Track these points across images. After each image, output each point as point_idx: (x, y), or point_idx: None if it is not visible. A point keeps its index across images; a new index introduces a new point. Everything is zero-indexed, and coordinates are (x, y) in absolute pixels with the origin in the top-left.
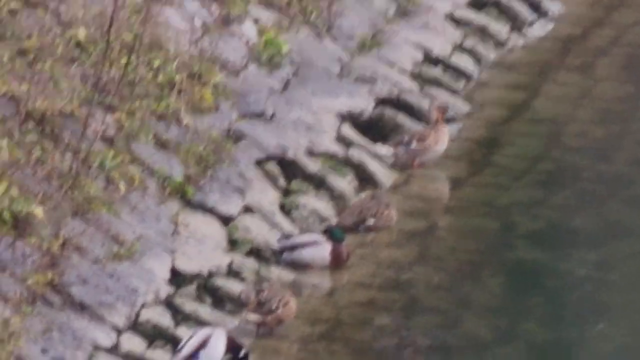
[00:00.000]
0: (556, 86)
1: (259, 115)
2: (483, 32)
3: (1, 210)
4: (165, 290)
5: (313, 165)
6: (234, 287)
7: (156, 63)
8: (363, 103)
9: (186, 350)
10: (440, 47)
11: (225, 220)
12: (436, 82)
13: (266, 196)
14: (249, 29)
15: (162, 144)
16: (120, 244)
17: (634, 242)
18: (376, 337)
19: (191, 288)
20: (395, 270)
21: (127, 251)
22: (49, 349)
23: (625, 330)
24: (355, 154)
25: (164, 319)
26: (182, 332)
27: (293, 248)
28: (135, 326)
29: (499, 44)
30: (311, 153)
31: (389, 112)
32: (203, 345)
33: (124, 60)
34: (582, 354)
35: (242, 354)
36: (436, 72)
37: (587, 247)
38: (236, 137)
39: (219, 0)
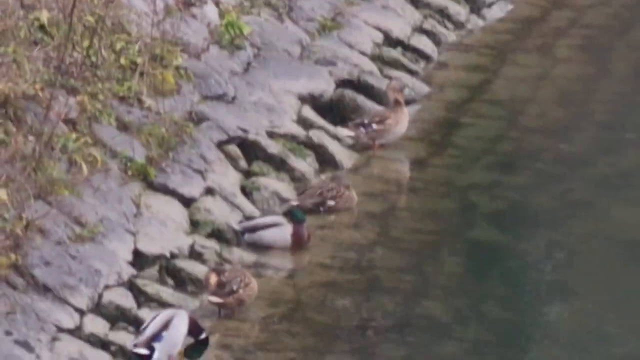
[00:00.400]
0: (515, 68)
1: (221, 97)
2: (442, 14)
3: None
4: (128, 272)
5: (274, 147)
6: (195, 268)
7: (118, 46)
8: (323, 85)
9: (149, 331)
10: (400, 28)
11: (187, 202)
12: (396, 64)
13: (227, 178)
14: (210, 11)
15: (124, 126)
16: (83, 225)
17: (592, 222)
18: (337, 318)
19: (153, 270)
20: (356, 252)
21: (89, 233)
22: (13, 331)
23: (583, 309)
24: (316, 135)
25: (126, 300)
26: (145, 313)
27: (254, 229)
28: (98, 308)
29: (458, 25)
30: (272, 135)
31: (349, 93)
32: (166, 326)
33: (86, 43)
34: (540, 334)
35: (202, 335)
36: (396, 53)
37: (546, 227)
38: (198, 119)
39: None
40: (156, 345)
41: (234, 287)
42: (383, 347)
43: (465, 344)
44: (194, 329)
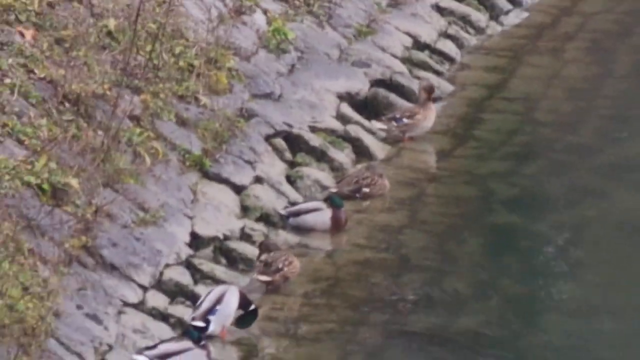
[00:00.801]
0: (529, 68)
1: (268, 96)
2: (465, 20)
3: (41, 182)
4: (186, 252)
5: (315, 140)
6: (246, 249)
7: (177, 50)
8: (359, 84)
9: (204, 306)
10: (427, 34)
11: (238, 190)
12: (424, 65)
13: (274, 168)
14: (259, 19)
15: (182, 122)
16: (146, 211)
17: (599, 206)
18: (371, 292)
19: (208, 250)
20: (388, 233)
21: (152, 217)
22: (84, 305)
23: (591, 285)
24: (353, 129)
25: (184, 277)
26: (201, 289)
27: (298, 214)
28: (159, 284)
29: (479, 30)
30: (314, 129)
31: (382, 92)
32: (219, 301)
33: (149, 48)
34: (551, 306)
35: (251, 308)
36: (424, 56)
37: (557, 211)
38: (248, 115)
39: None
40: (211, 318)
41: (279, 266)
42: (411, 318)
43: (484, 316)
44: (244, 302)
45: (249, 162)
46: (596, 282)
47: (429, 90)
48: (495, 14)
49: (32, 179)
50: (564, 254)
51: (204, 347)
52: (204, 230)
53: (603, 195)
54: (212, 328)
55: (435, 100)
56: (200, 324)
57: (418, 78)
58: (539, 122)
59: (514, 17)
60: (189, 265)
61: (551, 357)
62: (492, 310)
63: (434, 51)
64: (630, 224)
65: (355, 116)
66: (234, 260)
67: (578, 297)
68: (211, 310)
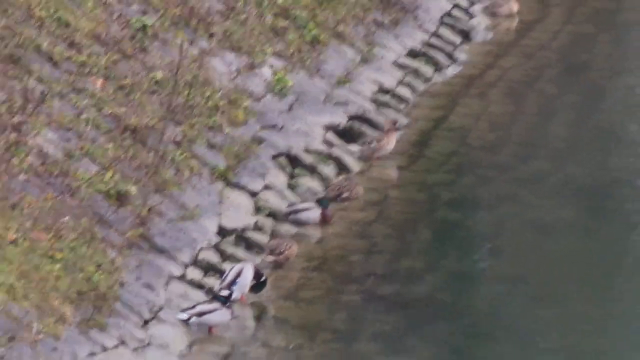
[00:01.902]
0: (463, 107)
1: (273, 127)
2: (416, 73)
3: (109, 189)
4: (215, 239)
5: (308, 159)
6: (258, 237)
7: (207, 94)
8: (340, 118)
9: (228, 278)
10: (389, 82)
11: (253, 194)
12: (387, 105)
13: (278, 178)
14: (266, 71)
15: (211, 146)
16: (186, 209)
17: (514, 207)
18: (349, 268)
19: (231, 238)
20: (361, 226)
21: (190, 214)
22: (141, 277)
23: (509, 260)
24: (335, 151)
25: (214, 257)
26: (226, 266)
27: (296, 212)
28: (195, 262)
29: (426, 80)
30: (307, 151)
31: (356, 124)
32: (239, 275)
33: (186, 92)
34: (481, 278)
35: (262, 279)
36: (387, 98)
37: (484, 210)
38: (259, 141)
39: (246, 53)
40: (233, 287)
41: (282, 249)
42: (380, 288)
43: (433, 286)
44: (257, 275)
45: (260, 175)
46: (513, 259)
47: (392, 123)
48: (438, 68)
49: (103, 187)
50: (489, 241)
51: (228, 307)
52: (228, 224)
53: (517, 199)
54: (235, 295)
55: (396, 130)
56: (226, 292)
57: (383, 114)
58: (470, 146)
59: (452, 70)
60: (217, 248)
61: (483, 313)
62: (439, 282)
63: (394, 95)
64: (536, 220)
65: (337, 141)
66: (249, 245)
67: (500, 270)
68: (233, 282)
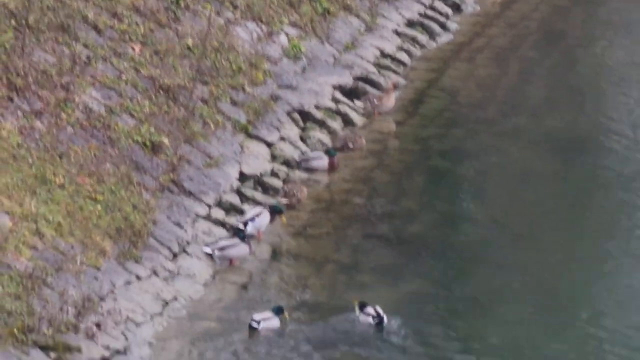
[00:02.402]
0: (453, 70)
1: (289, 86)
2: (413, 40)
3: (144, 140)
4: (236, 184)
5: (318, 114)
6: (274, 182)
7: (231, 58)
8: (346, 79)
9: (246, 217)
10: (390, 48)
11: (269, 145)
12: (387, 68)
13: (292, 131)
14: (283, 39)
15: (234, 103)
16: (211, 158)
17: (499, 158)
18: (353, 209)
19: (250, 182)
20: (364, 172)
21: (214, 162)
22: (171, 216)
23: (490, 201)
24: (342, 107)
25: (235, 199)
26: (245, 207)
27: (307, 160)
28: (219, 204)
29: (422, 46)
30: (317, 107)
31: (361, 84)
32: (257, 216)
33: (213, 56)
34: (468, 217)
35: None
36: (387, 62)
37: (471, 158)
38: (275, 98)
39: (266, 22)
40: (249, 223)
41: (295, 193)
42: (379, 225)
43: (424, 222)
44: (272, 216)
45: (276, 128)
46: (495, 202)
47: (394, 83)
48: (432, 36)
49: (139, 139)
50: (475, 186)
51: (247, 242)
52: (248, 170)
53: (499, 150)
54: (249, 229)
55: (395, 89)
56: (242, 226)
57: (383, 76)
58: (460, 104)
59: (444, 38)
60: (238, 191)
61: (468, 248)
62: (430, 221)
63: (394, 59)
64: (516, 168)
65: (344, 99)
66: (266, 189)
67: (483, 211)
68: (250, 220)
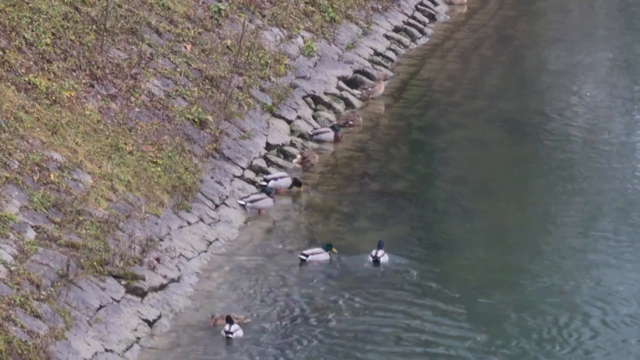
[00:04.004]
0: (429, 65)
1: (304, 77)
2: (399, 42)
3: (194, 117)
4: (263, 151)
5: (326, 98)
6: (293, 150)
7: (260, 55)
8: (348, 72)
9: (269, 177)
10: (380, 48)
11: (289, 122)
12: (379, 63)
13: (306, 112)
14: (299, 40)
15: (262, 90)
16: (244, 132)
17: (464, 132)
18: (353, 171)
19: (274, 150)
20: (361, 143)
21: (247, 135)
22: (214, 176)
23: (458, 168)
24: (344, 94)
25: (262, 164)
26: (271, 170)
27: (317, 134)
28: (250, 167)
29: (406, 47)
30: (326, 93)
31: (358, 76)
32: (281, 177)
33: (246, 54)
34: (438, 178)
35: (300, 184)
36: (379, 59)
37: (443, 133)
38: (294, 86)
39: (286, 28)
40: (270, 181)
41: (308, 157)
42: (372, 184)
43: (407, 180)
44: (294, 182)
45: (294, 109)
46: (460, 165)
47: (384, 75)
48: (413, 39)
49: (190, 116)
50: (445, 153)
51: (272, 197)
52: (273, 141)
53: (464, 126)
54: (270, 185)
55: (385, 80)
56: (264, 183)
57: (376, 69)
58: (434, 91)
59: (422, 40)
60: (265, 157)
61: (440, 200)
62: (411, 180)
63: (384, 57)
64: (477, 139)
65: (346, 87)
66: (286, 156)
67: (451, 172)
68: (272, 179)
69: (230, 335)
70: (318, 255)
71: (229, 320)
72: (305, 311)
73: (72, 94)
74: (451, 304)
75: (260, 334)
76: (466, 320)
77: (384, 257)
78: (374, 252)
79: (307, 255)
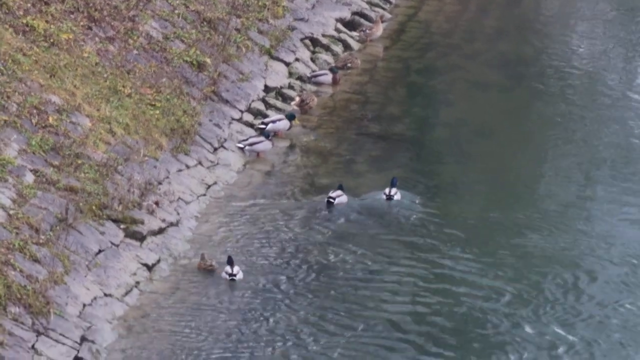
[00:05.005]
0: (427, 7)
1: (302, 19)
2: None
3: (192, 60)
4: (262, 94)
5: (325, 40)
6: (291, 93)
7: None
8: (346, 14)
9: (267, 120)
10: None
11: (287, 64)
12: (377, 5)
13: (304, 54)
14: None
15: (260, 32)
16: (242, 74)
17: (462, 74)
18: (351, 114)
19: (273, 93)
20: (359, 85)
21: (245, 77)
22: (212, 119)
23: (457, 111)
24: (342, 36)
25: (261, 106)
26: (269, 113)
27: (316, 76)
28: (249, 109)
29: None
30: (324, 35)
31: (356, 17)
32: (277, 120)
33: None
34: (436, 121)
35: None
36: (377, 0)
37: (441, 75)
38: (292, 28)
39: None
40: (269, 124)
41: (307, 100)
42: (370, 127)
43: (405, 124)
44: (288, 117)
45: (292, 51)
46: (459, 107)
47: (381, 17)
48: None
49: (188, 59)
50: (444, 95)
51: (270, 140)
52: (271, 84)
53: (463, 68)
54: (268, 128)
55: (383, 21)
56: (263, 126)
57: (374, 11)
58: (432, 33)
59: None
60: (263, 100)
61: (438, 141)
62: (409, 123)
63: None
64: (476, 81)
65: (344, 29)
66: (284, 98)
67: (450, 114)
68: (271, 122)
69: (234, 278)
70: (340, 197)
71: (230, 262)
72: (307, 254)
73: (70, 37)
74: (455, 246)
75: (259, 276)
76: (469, 261)
77: (397, 195)
78: (387, 190)
79: (334, 199)
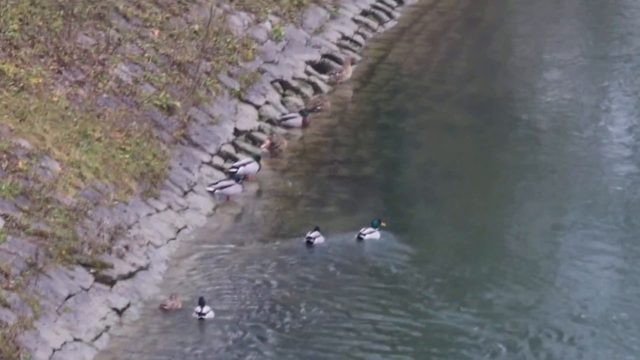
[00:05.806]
0: (397, 49)
1: (272, 62)
2: (366, 25)
3: (162, 103)
4: (231, 137)
5: (295, 83)
6: (261, 136)
7: (228, 40)
8: (316, 56)
9: (238, 164)
10: (348, 32)
11: (257, 107)
12: (347, 47)
13: (274, 97)
14: (267, 25)
15: (230, 74)
16: (212, 117)
17: (432, 115)
18: (321, 156)
19: (243, 136)
20: (329, 128)
21: (215, 120)
22: (182, 163)
23: (426, 153)
24: (312, 78)
25: (231, 150)
26: (239, 156)
27: (286, 119)
28: (219, 153)
29: (373, 30)
30: (294, 78)
31: (326, 60)
32: (249, 162)
33: (214, 39)
34: (406, 164)
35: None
36: (347, 43)
37: (411, 118)
38: (262, 71)
39: (254, 12)
40: (240, 168)
41: (276, 143)
42: (341, 169)
43: (374, 166)
44: (255, 158)
45: (262, 94)
46: (428, 149)
47: (351, 59)
48: (381, 22)
49: (158, 102)
50: (413, 137)
51: (240, 183)
52: (241, 127)
53: (432, 110)
54: (238, 172)
55: (352, 64)
56: (234, 170)
57: (344, 53)
58: (402, 74)
59: (390, 24)
60: (233, 143)
61: (407, 185)
62: (379, 165)
63: (352, 40)
64: (445, 123)
65: (314, 72)
66: (254, 141)
67: (419, 156)
68: (241, 165)
69: (202, 317)
70: (372, 234)
71: (202, 302)
72: (277, 297)
73: (40, 81)
74: (419, 287)
75: (231, 319)
76: (434, 301)
77: (374, 234)
78: (362, 230)
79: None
